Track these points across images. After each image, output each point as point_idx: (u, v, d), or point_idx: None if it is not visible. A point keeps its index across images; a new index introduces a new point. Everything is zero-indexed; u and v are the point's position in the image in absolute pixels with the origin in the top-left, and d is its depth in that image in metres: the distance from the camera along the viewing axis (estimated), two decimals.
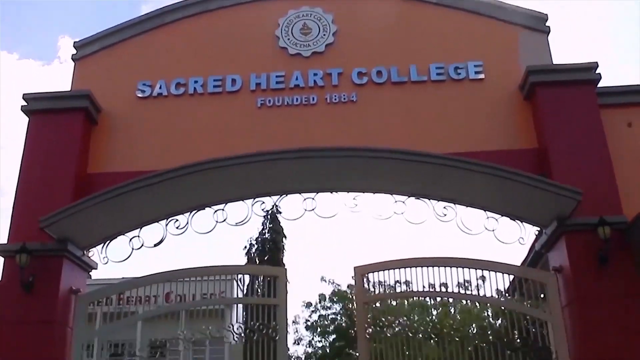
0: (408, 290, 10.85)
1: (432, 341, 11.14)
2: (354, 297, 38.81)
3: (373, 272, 11.08)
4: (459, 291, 10.72)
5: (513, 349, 10.38)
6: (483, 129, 10.99)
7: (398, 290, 10.93)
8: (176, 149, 11.05)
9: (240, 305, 33.81)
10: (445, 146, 10.62)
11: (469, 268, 10.55)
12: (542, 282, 10.36)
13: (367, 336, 10.89)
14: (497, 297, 10.96)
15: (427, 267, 10.69)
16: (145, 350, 11.77)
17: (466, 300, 11.41)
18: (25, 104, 11.26)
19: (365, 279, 11.13)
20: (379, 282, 11.13)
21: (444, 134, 10.96)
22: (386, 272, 10.97)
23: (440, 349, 11.03)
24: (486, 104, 11.18)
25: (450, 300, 10.98)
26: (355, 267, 11.21)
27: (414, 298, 11.30)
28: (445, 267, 10.60)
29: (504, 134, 10.97)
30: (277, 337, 11.35)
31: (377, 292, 11.11)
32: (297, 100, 11.34)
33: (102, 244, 10.84)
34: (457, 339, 11.24)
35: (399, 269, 10.86)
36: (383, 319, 11.06)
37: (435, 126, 11.05)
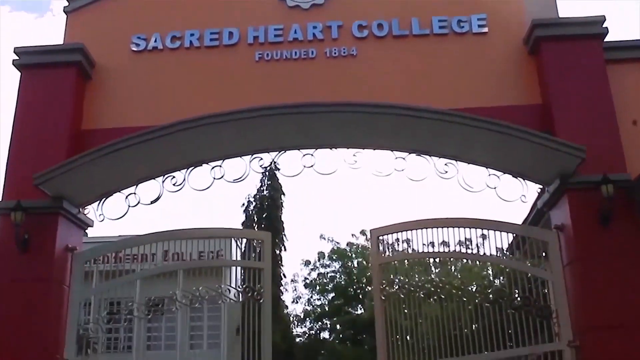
0: (422, 251, 11.11)
1: (432, 300, 11.24)
2: (353, 255, 39.31)
3: (387, 234, 11.30)
4: (467, 251, 11.01)
5: (514, 308, 10.46)
6: (486, 84, 10.91)
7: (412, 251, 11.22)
8: (172, 104, 10.97)
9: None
10: (446, 101, 10.55)
11: (477, 228, 10.68)
12: (543, 241, 10.40)
13: (383, 297, 11.32)
14: (498, 255, 11.01)
15: (440, 227, 10.85)
16: (143, 308, 11.87)
17: (467, 260, 11.49)
18: (17, 57, 11.15)
19: (380, 241, 11.36)
20: (393, 243, 11.40)
21: (446, 89, 10.88)
22: (400, 233, 11.22)
23: (442, 308, 11.18)
24: (489, 58, 11.08)
25: (452, 259, 11.15)
26: (371, 230, 11.50)
27: (416, 258, 11.46)
28: (458, 227, 10.73)
29: (507, 89, 10.88)
30: (262, 300, 11.69)
31: (391, 253, 11.42)
32: (296, 54, 11.22)
33: (98, 202, 10.84)
34: (458, 298, 11.33)
35: (413, 230, 11.06)
36: (396, 280, 11.44)
37: (437, 81, 10.95)
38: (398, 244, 11.39)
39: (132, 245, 11.49)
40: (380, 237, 11.36)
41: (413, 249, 11.19)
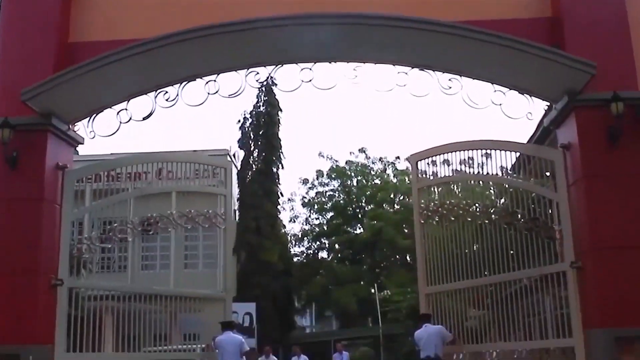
0: (458, 174, 11.57)
1: (464, 221, 11.45)
2: (352, 173, 39.46)
3: (426, 159, 11.83)
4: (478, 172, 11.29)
5: (517, 228, 10.57)
6: None
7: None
8: (165, 15, 10.74)
9: (234, 185, 34.28)
10: (452, 13, 10.33)
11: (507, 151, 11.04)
12: (549, 160, 10.41)
13: (422, 221, 11.77)
14: (501, 174, 11.06)
15: (472, 150, 11.36)
16: (136, 228, 11.99)
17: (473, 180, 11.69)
18: None
19: (418, 166, 11.96)
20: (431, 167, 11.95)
21: (450, 0, 10.67)
22: (438, 157, 11.70)
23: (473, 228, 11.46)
24: None
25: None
26: (410, 155, 12.16)
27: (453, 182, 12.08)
28: (488, 150, 11.17)
29: (515, 0, 10.68)
30: (224, 227, 12.35)
31: (429, 177, 11.95)
32: None
33: (88, 118, 10.74)
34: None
35: (449, 153, 11.54)
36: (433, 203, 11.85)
37: None
38: (435, 168, 11.83)
39: (124, 164, 11.52)
40: (419, 162, 11.92)
41: (450, 171, 11.60)
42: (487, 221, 11.05)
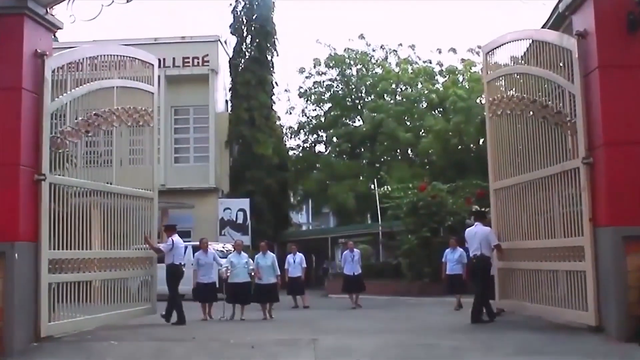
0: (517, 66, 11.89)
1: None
2: (351, 62, 38.99)
3: (496, 48, 12.35)
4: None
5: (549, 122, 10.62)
6: None
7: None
8: None
9: (227, 69, 34.01)
10: None
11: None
12: (563, 47, 10.27)
13: (491, 115, 12.57)
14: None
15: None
16: (122, 119, 11.97)
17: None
18: None
19: (488, 58, 12.58)
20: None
21: None
22: (509, 45, 12.01)
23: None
24: None
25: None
26: (482, 47, 12.81)
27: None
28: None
29: None
30: (151, 125, 12.94)
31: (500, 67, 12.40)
32: None
33: (67, 0, 10.50)
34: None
35: (516, 41, 11.75)
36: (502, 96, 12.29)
37: None
38: (502, 59, 12.30)
39: (107, 52, 11.38)
40: (488, 54, 12.43)
41: (513, 63, 11.89)
42: (531, 113, 11.22)
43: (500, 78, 12.47)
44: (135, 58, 12.80)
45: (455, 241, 16.09)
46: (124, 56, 12.43)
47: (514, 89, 11.84)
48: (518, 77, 11.79)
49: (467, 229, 12.45)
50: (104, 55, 12.05)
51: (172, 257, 13.35)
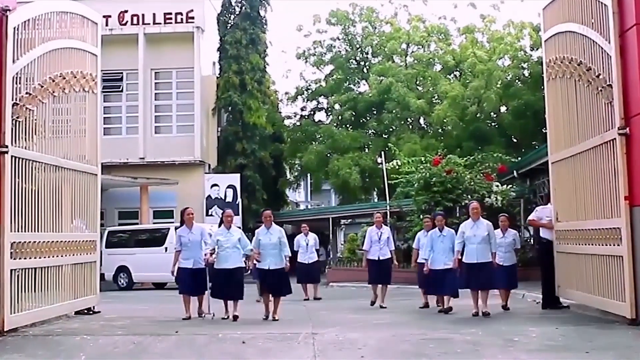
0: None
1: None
2: (356, 18, 38.77)
3: (551, 3, 12.47)
4: None
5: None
6: None
7: None
8: None
9: (214, 27, 33.78)
10: None
11: None
12: (599, 1, 10.20)
13: (547, 78, 12.78)
14: None
15: None
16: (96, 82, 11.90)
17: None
18: None
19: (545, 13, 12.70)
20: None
21: None
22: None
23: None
24: None
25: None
26: (543, 8, 12.87)
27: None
28: None
29: None
30: (94, 92, 13.12)
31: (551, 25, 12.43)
32: None
33: None
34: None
35: None
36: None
37: None
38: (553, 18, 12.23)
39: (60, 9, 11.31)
40: (546, 7, 12.56)
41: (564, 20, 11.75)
42: (579, 77, 11.26)
43: (555, 37, 12.42)
44: (79, 15, 12.75)
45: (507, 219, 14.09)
46: (71, 13, 12.38)
47: (565, 50, 11.76)
48: (565, 36, 11.70)
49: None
50: (58, 13, 11.99)
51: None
